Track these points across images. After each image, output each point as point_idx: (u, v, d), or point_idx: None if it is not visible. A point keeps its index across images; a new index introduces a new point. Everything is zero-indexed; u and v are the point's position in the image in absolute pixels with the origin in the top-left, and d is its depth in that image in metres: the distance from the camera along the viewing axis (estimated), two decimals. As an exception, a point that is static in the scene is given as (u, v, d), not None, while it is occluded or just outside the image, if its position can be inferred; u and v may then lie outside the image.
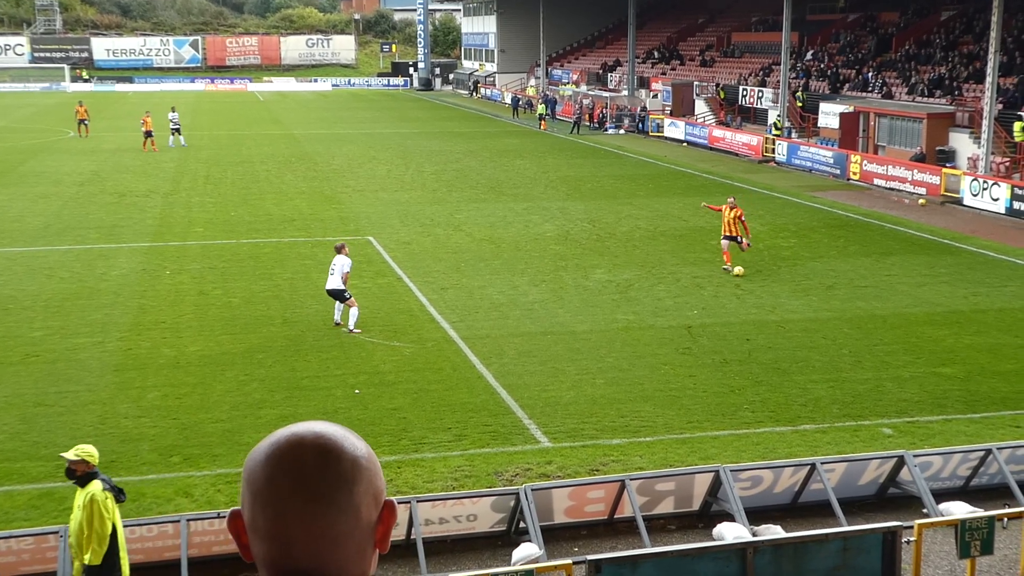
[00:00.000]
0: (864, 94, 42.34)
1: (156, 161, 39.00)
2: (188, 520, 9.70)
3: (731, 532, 9.81)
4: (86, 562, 8.35)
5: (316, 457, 1.62)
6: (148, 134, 42.09)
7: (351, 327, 17.13)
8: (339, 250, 17.71)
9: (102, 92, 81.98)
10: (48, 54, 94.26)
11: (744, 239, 21.34)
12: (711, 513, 10.78)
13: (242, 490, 1.64)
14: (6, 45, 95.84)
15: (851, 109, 39.66)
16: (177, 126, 43.87)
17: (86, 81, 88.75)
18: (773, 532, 9.79)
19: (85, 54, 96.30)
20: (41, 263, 21.81)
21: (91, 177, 34.69)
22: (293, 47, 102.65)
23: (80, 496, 8.39)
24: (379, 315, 18.21)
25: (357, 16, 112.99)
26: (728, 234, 21.26)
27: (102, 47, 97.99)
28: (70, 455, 8.43)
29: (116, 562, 8.54)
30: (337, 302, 17.52)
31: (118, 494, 8.56)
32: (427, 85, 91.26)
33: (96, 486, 8.36)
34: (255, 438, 12.62)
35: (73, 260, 22.14)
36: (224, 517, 9.81)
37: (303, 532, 1.60)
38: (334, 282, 17.41)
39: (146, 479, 11.59)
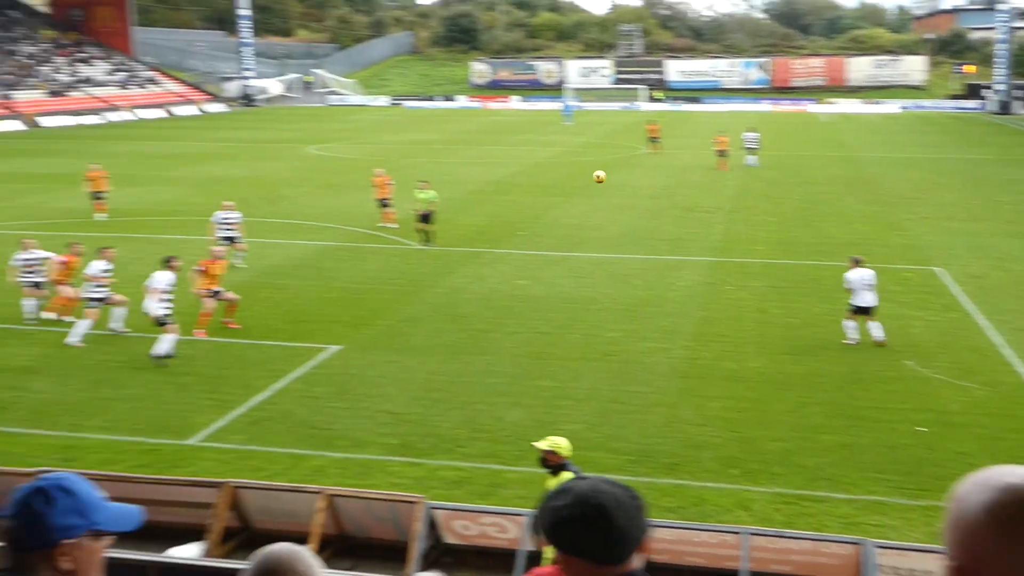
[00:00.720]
0: None
1: (720, 179, 40.35)
2: (750, 534, 9.91)
3: None
4: None
5: None
6: (722, 153, 43.70)
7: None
8: (859, 263, 17.79)
9: (673, 111, 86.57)
10: (627, 76, 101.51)
11: None
12: None
13: (981, 541, 1.59)
14: (593, 68, 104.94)
15: None
16: (754, 147, 44.88)
17: (659, 101, 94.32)
18: None
19: (659, 76, 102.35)
20: (618, 269, 23.56)
21: (661, 191, 36.81)
22: (859, 68, 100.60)
23: (552, 485, 8.69)
24: (946, 351, 17.24)
25: (930, 36, 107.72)
26: None
27: (675, 69, 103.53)
28: (543, 445, 8.84)
29: None
30: (870, 322, 17.49)
31: None
32: (1004, 108, 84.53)
33: (567, 476, 8.49)
34: (814, 462, 12.60)
35: (645, 268, 23.64)
36: (789, 538, 9.93)
37: None
38: (872, 298, 17.48)
39: (706, 486, 12.03)
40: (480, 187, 38.35)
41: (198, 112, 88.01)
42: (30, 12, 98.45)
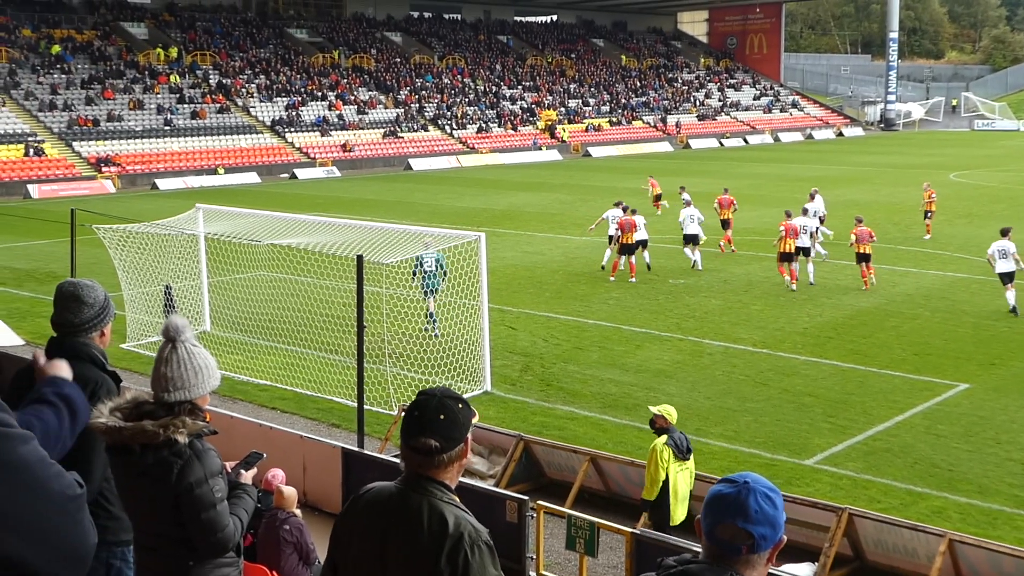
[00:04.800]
0: None
1: None
2: None
3: None
4: (642, 496, 10.26)
5: None
6: None
7: None
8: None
9: None
10: None
11: None
12: None
13: None
14: None
15: None
16: None
17: None
18: None
19: None
20: None
21: None
22: None
23: (657, 444, 10.00)
24: None
25: None
26: None
27: None
28: (655, 409, 10.28)
29: (666, 505, 9.94)
30: None
31: (680, 451, 9.92)
32: None
33: (661, 439, 9.98)
34: None
35: None
36: None
37: None
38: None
39: None
40: None
41: (835, 136, 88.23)
42: (692, 42, 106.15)
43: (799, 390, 16.60)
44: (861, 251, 24.08)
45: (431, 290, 19.34)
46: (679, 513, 10.09)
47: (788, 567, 9.76)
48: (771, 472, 13.01)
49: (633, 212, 26.20)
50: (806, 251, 24.68)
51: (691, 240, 26.82)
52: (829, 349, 19.02)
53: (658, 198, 37.80)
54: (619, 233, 25.28)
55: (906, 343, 19.41)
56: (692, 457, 10.23)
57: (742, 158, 66.50)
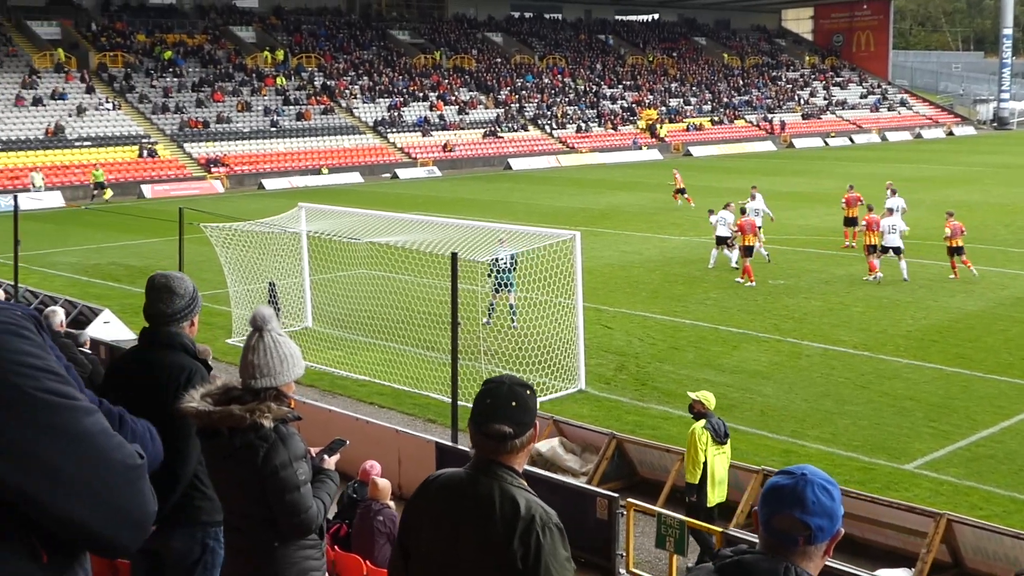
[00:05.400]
0: None
1: None
2: None
3: None
4: (686, 480, 10.39)
5: None
6: None
7: None
8: None
9: None
10: None
11: None
12: None
13: None
14: None
15: None
16: None
17: None
18: None
19: None
20: None
21: None
22: None
23: (697, 428, 10.22)
24: None
25: None
26: None
27: None
28: (693, 395, 10.52)
29: (703, 488, 10.11)
30: None
31: (718, 435, 10.13)
32: None
33: (699, 423, 10.18)
34: None
35: None
36: None
37: None
38: None
39: None
40: None
41: (945, 135, 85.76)
42: (796, 40, 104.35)
43: (900, 394, 16.25)
44: (954, 244, 24.53)
45: (507, 286, 19.52)
46: (715, 495, 10.29)
47: (884, 571, 9.61)
48: (869, 476, 12.80)
49: (742, 212, 26.32)
50: (896, 250, 24.87)
51: (721, 242, 26.98)
52: (933, 352, 18.56)
53: (680, 191, 37.93)
54: (739, 235, 25.45)
55: (1014, 347, 18.82)
56: (729, 442, 10.48)
57: (848, 158, 65.11)
